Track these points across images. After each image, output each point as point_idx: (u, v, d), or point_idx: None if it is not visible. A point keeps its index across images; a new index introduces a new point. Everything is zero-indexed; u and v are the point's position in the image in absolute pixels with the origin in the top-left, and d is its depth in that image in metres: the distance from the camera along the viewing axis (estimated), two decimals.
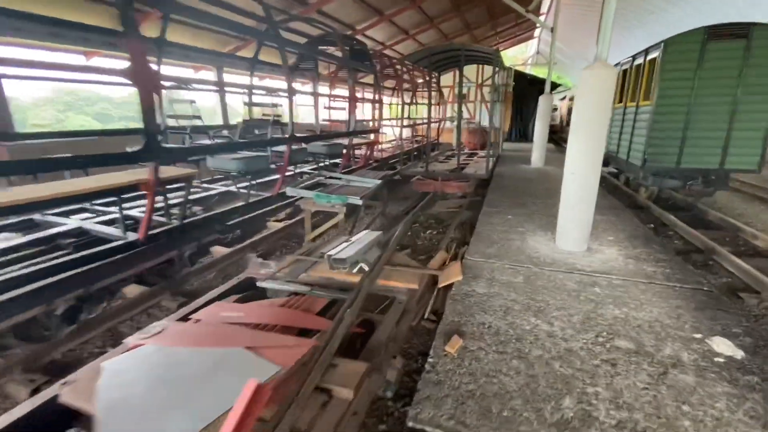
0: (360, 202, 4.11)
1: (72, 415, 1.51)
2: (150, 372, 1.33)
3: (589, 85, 3.45)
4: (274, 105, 4.57)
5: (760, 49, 5.22)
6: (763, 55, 5.24)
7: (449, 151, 11.05)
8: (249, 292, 2.48)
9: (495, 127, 9.61)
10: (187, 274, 3.69)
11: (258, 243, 4.87)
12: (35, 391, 2.20)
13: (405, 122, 11.20)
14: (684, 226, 5.37)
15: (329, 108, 8.81)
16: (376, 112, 7.99)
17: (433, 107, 12.97)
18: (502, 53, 9.49)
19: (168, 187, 3.52)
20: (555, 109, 23.65)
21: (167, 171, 3.29)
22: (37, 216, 3.69)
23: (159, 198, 3.43)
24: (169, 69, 8.61)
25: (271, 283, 2.54)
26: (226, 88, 5.62)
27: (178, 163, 4.93)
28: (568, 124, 24.39)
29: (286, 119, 8.01)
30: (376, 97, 7.68)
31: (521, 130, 17.93)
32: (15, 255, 3.11)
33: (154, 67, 4.53)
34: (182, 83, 4.29)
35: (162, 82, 4.71)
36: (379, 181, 5.02)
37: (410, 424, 1.73)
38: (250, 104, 4.75)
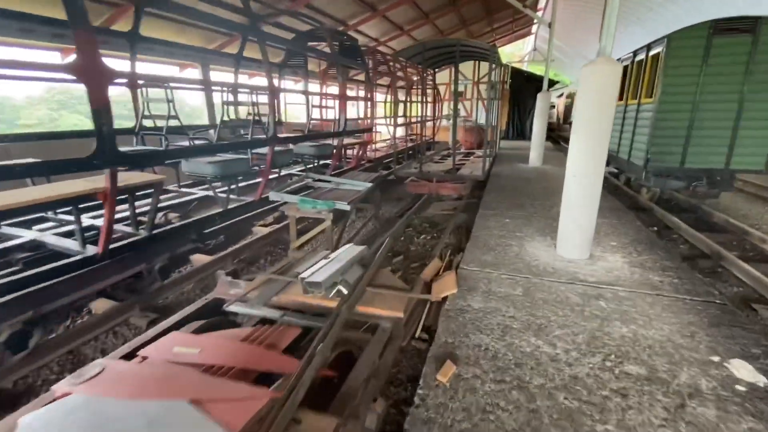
0: (348, 208, 3.86)
1: None
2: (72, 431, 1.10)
3: (591, 82, 3.23)
4: (255, 104, 4.32)
5: None
6: None
7: (445, 150, 10.82)
8: (215, 318, 2.22)
9: (492, 125, 9.39)
10: (161, 287, 3.44)
11: (241, 250, 4.62)
12: None
13: (399, 121, 10.97)
14: (689, 230, 5.17)
15: (321, 107, 8.56)
16: (369, 110, 7.74)
17: (428, 105, 12.76)
18: (499, 50, 9.26)
19: (138, 194, 3.24)
20: (552, 107, 23.53)
21: (132, 177, 3.03)
22: None
23: (125, 206, 3.19)
24: (153, 67, 8.33)
25: (239, 307, 2.27)
26: (207, 86, 5.34)
27: (156, 167, 4.68)
28: (565, 121, 24.41)
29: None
30: (369, 94, 7.43)
31: (518, 128, 17.76)
32: None
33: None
34: (158, 81, 4.02)
35: (139, 81, 4.44)
36: (369, 184, 4.78)
37: None
38: (227, 103, 4.48)
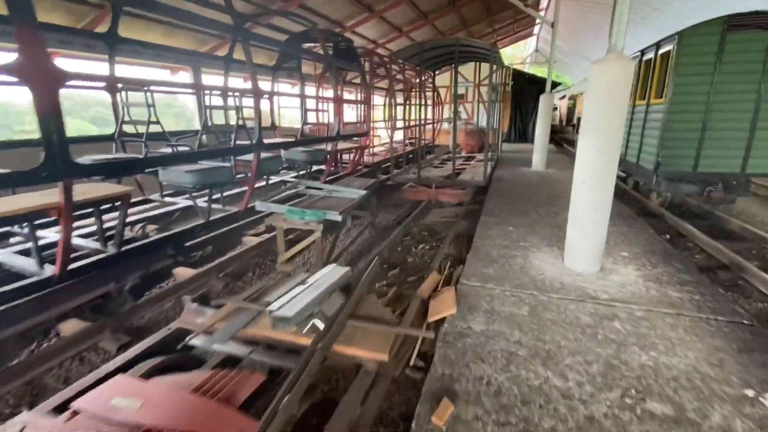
0: (339, 218, 3.61)
1: None
2: None
3: (601, 81, 2.99)
4: (239, 107, 4.10)
5: None
6: None
7: (445, 154, 10.58)
8: (176, 354, 1.96)
9: (493, 127, 9.16)
10: (135, 307, 3.20)
11: (228, 263, 4.38)
12: None
13: (398, 124, 10.74)
14: (704, 238, 4.91)
15: (317, 110, 8.35)
16: (366, 113, 7.52)
17: (428, 108, 12.55)
18: (500, 51, 9.04)
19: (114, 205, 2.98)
20: (555, 109, 23.37)
21: (95, 190, 2.80)
22: None
23: (91, 220, 2.96)
24: (146, 71, 8.15)
25: (202, 340, 2.02)
26: (189, 90, 5.13)
27: (138, 175, 4.45)
28: (568, 123, 24.23)
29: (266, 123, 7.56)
30: (365, 97, 7.21)
31: (521, 131, 17.58)
32: None
33: (102, 66, 4.07)
34: (137, 84, 3.81)
35: (118, 84, 4.23)
36: (363, 192, 4.54)
37: None
38: (210, 107, 4.25)
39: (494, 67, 7.41)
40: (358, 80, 8.60)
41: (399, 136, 12.53)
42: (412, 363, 2.50)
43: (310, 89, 9.48)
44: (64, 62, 6.75)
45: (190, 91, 5.27)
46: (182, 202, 4.28)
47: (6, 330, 2.32)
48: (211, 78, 9.13)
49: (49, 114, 1.90)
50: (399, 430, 2.28)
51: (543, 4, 17.07)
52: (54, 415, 1.45)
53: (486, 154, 6.49)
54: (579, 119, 17.63)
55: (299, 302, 2.04)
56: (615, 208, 5.48)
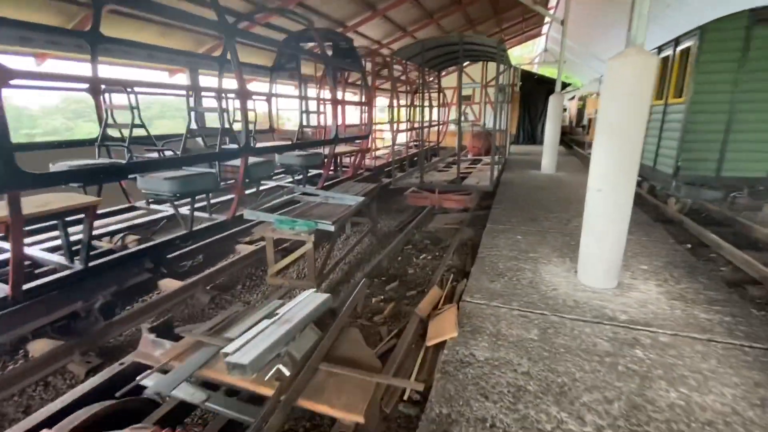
0: (332, 228, 3.37)
1: None
2: None
3: (620, 78, 2.71)
4: (224, 109, 3.88)
5: None
6: None
7: (451, 157, 10.30)
8: (125, 399, 1.70)
9: (501, 129, 8.88)
10: (110, 324, 2.98)
11: (216, 274, 4.16)
12: None
13: (402, 126, 10.52)
14: (730, 248, 4.57)
15: (318, 112, 8.14)
16: (366, 115, 7.29)
17: (434, 109, 12.29)
18: (508, 52, 8.75)
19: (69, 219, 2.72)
20: (564, 110, 23.02)
21: (55, 200, 2.58)
22: None
23: (55, 233, 2.76)
24: (141, 72, 8.01)
25: (155, 382, 1.76)
26: (175, 92, 4.92)
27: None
28: (577, 124, 23.82)
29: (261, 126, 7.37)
30: (366, 99, 6.99)
31: (529, 132, 17.32)
32: None
33: (87, 66, 3.88)
34: (119, 85, 3.63)
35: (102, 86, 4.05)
36: (361, 199, 4.29)
37: None
38: (195, 109, 4.04)
39: (502, 67, 7.14)
40: (360, 81, 8.39)
41: (402, 138, 12.29)
42: (407, 396, 2.24)
43: (313, 91, 9.30)
44: (55, 64, 6.63)
45: (177, 92, 5.04)
46: (169, 210, 4.07)
47: None
48: (211, 80, 9.00)
49: None
50: None
51: (552, 2, 16.74)
52: None
53: (492, 157, 6.21)
54: (590, 120, 17.28)
55: (261, 343, 1.73)
56: (631, 215, 5.18)
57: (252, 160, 4.37)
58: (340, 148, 7.06)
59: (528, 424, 1.83)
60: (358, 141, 7.90)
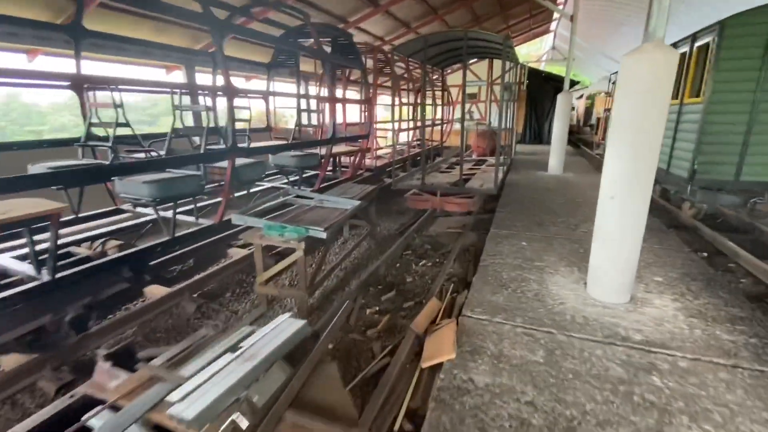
0: (324, 235, 3.18)
1: None
2: None
3: (636, 75, 2.49)
4: (209, 108, 3.70)
5: None
6: None
7: (454, 158, 10.07)
8: None
9: (507, 128, 8.63)
10: (85, 337, 2.81)
11: (204, 281, 3.99)
12: None
13: (404, 125, 10.28)
14: (750, 258, 4.32)
15: (319, 111, 7.96)
16: (367, 114, 7.09)
17: (439, 108, 12.05)
18: (515, 49, 8.50)
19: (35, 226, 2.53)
20: (572, 109, 22.70)
21: (19, 207, 2.40)
22: None
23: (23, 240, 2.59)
24: (134, 70, 7.86)
25: (102, 423, 1.54)
26: (160, 88, 4.73)
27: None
28: (585, 124, 23.45)
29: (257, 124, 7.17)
30: (366, 97, 6.79)
31: (536, 131, 17.05)
32: None
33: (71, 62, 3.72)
34: (102, 82, 3.45)
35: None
36: (357, 202, 4.09)
37: None
38: (180, 108, 3.85)
39: (508, 64, 6.90)
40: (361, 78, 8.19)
41: (403, 138, 12.07)
42: (397, 426, 2.04)
43: (315, 89, 9.11)
44: (47, 61, 6.48)
45: (161, 90, 4.84)
46: (156, 214, 3.89)
47: None
48: (208, 77, 8.84)
49: None
50: None
51: None
52: None
53: (497, 158, 5.99)
54: (598, 119, 16.96)
55: (215, 387, 1.47)
56: None
57: (242, 161, 4.19)
58: (339, 148, 6.87)
59: None
60: (358, 140, 7.71)
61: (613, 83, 12.08)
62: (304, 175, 6.27)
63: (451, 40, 6.35)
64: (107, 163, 3.14)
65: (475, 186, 6.07)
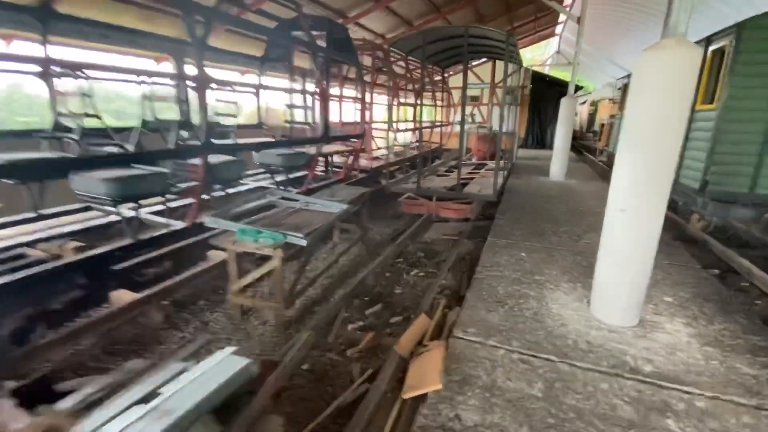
0: (304, 243, 2.91)
1: None
2: None
3: (654, 74, 2.24)
4: (182, 100, 3.45)
5: None
6: None
7: (453, 160, 9.82)
8: None
9: (509, 131, 8.39)
10: (34, 350, 2.54)
11: (177, 287, 3.71)
12: None
13: (402, 126, 10.05)
14: (765, 277, 4.07)
15: (313, 108, 7.70)
16: (361, 112, 6.83)
17: (439, 109, 11.82)
18: (520, 52, 8.26)
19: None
20: (575, 114, 22.54)
21: None
22: None
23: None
24: (121, 59, 7.58)
25: None
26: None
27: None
28: (588, 130, 23.28)
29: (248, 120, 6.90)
30: (361, 94, 6.54)
31: (538, 136, 16.91)
32: None
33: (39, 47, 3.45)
34: (70, 68, 3.19)
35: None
36: (345, 206, 3.83)
37: None
38: (150, 98, 3.60)
39: (511, 66, 6.66)
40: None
41: (401, 138, 11.81)
42: None
43: (311, 86, 8.85)
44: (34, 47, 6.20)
45: (130, 78, 4.53)
46: (129, 212, 3.61)
47: None
48: (212, 71, 8.53)
49: None
50: None
51: (567, 0, 16.21)
52: None
53: (497, 162, 5.73)
54: (602, 126, 16.77)
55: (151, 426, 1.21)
56: None
57: (219, 158, 3.92)
58: (330, 148, 6.61)
59: None
60: (352, 140, 7.45)
61: (619, 89, 11.86)
62: (295, 176, 6.00)
63: (451, 37, 6.10)
64: (66, 156, 2.87)
65: (474, 191, 5.82)
